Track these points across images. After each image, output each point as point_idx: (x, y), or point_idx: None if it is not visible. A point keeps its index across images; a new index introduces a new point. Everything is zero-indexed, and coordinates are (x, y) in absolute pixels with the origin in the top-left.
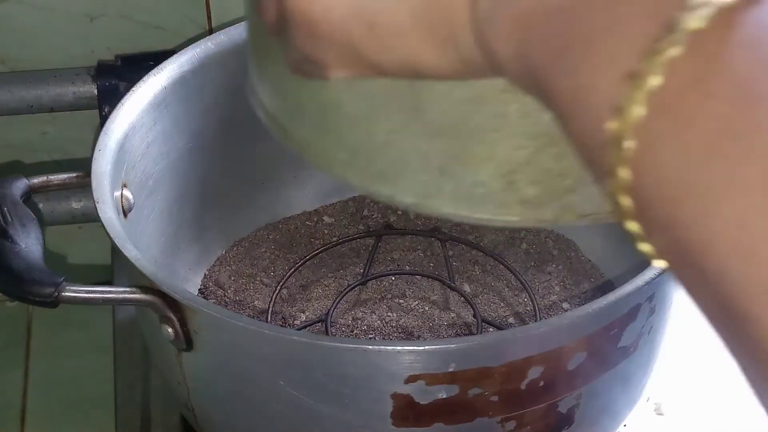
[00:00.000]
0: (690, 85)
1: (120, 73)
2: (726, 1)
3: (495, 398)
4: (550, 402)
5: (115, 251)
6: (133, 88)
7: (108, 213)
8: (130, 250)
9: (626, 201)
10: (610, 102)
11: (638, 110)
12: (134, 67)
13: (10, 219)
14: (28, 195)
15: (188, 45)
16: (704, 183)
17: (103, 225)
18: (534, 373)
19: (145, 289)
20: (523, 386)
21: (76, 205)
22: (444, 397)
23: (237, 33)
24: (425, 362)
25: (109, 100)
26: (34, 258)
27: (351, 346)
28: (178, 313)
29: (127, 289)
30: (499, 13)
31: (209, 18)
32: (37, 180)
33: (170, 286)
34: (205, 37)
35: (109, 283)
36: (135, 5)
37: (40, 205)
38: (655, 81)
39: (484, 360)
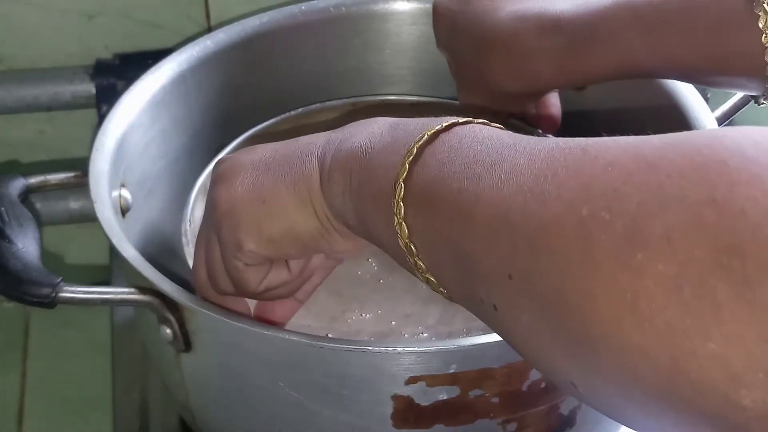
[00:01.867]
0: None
1: (118, 72)
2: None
3: (496, 400)
4: (551, 403)
5: (113, 251)
6: (132, 87)
7: (106, 213)
8: (128, 251)
9: (431, 278)
10: (391, 226)
11: (401, 218)
12: (133, 65)
13: (7, 219)
14: (26, 194)
15: (187, 43)
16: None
17: (101, 225)
18: (535, 374)
19: (143, 290)
20: (524, 388)
21: (73, 204)
22: (445, 398)
23: (236, 32)
24: (426, 363)
25: (107, 99)
26: (31, 258)
27: (351, 347)
28: (176, 314)
29: (125, 289)
30: (332, 178)
31: (208, 16)
32: (34, 179)
33: (169, 287)
34: (204, 35)
35: (107, 284)
36: (134, 4)
37: (38, 205)
38: (401, 206)
39: (485, 361)
